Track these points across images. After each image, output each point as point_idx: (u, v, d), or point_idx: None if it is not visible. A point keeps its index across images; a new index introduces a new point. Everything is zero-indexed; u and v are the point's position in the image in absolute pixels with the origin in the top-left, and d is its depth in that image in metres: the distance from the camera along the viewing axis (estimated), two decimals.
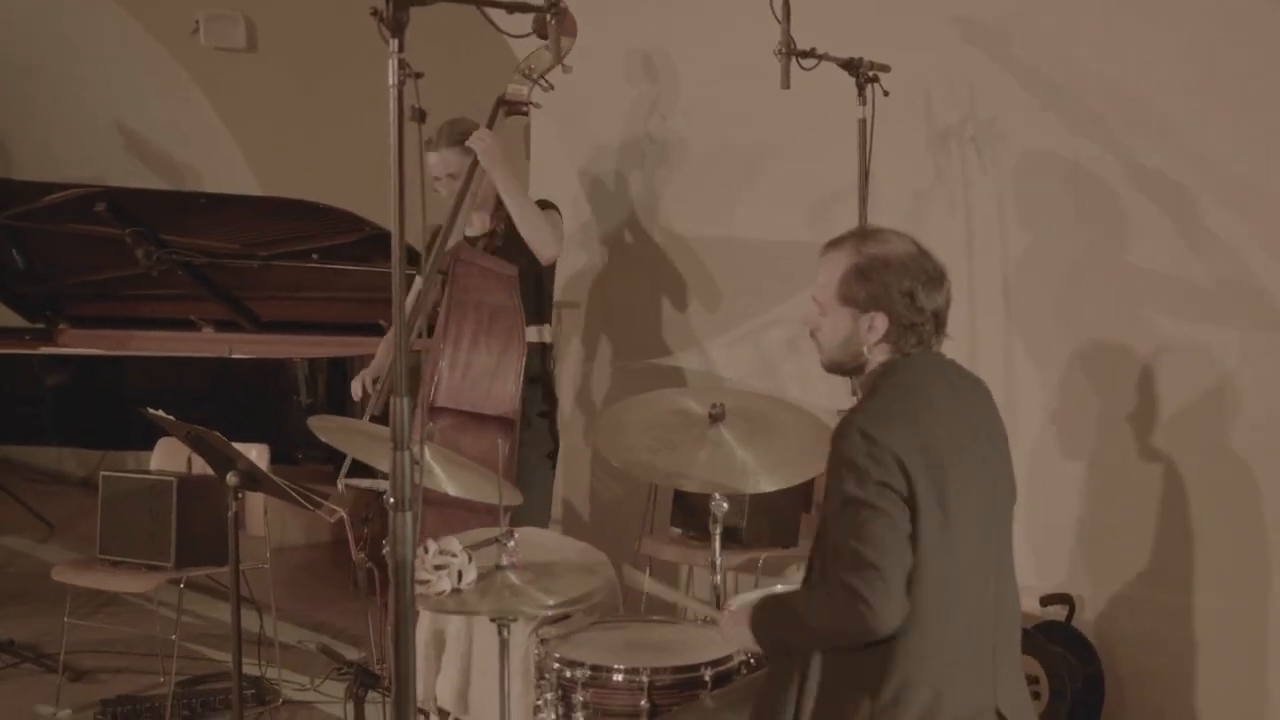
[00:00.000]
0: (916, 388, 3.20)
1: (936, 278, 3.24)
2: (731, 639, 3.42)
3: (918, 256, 3.23)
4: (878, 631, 3.02)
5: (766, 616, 3.29)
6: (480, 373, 5.08)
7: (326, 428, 4.07)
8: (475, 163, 5.16)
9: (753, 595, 4.07)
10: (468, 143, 5.15)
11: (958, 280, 5.36)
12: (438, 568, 3.43)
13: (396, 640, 3.02)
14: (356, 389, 5.49)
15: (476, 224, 5.44)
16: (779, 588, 4.15)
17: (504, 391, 5.10)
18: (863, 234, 3.31)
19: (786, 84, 4.71)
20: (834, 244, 3.30)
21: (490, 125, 5.19)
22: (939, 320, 3.25)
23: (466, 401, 5.05)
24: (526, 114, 5.22)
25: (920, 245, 3.28)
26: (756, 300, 6.21)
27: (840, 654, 3.09)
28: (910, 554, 3.03)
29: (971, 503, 3.15)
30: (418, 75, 2.99)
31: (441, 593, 3.44)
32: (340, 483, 4.85)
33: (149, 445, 6.05)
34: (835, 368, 3.36)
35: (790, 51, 4.71)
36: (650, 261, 6.55)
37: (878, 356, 3.26)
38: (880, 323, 3.21)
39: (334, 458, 5.60)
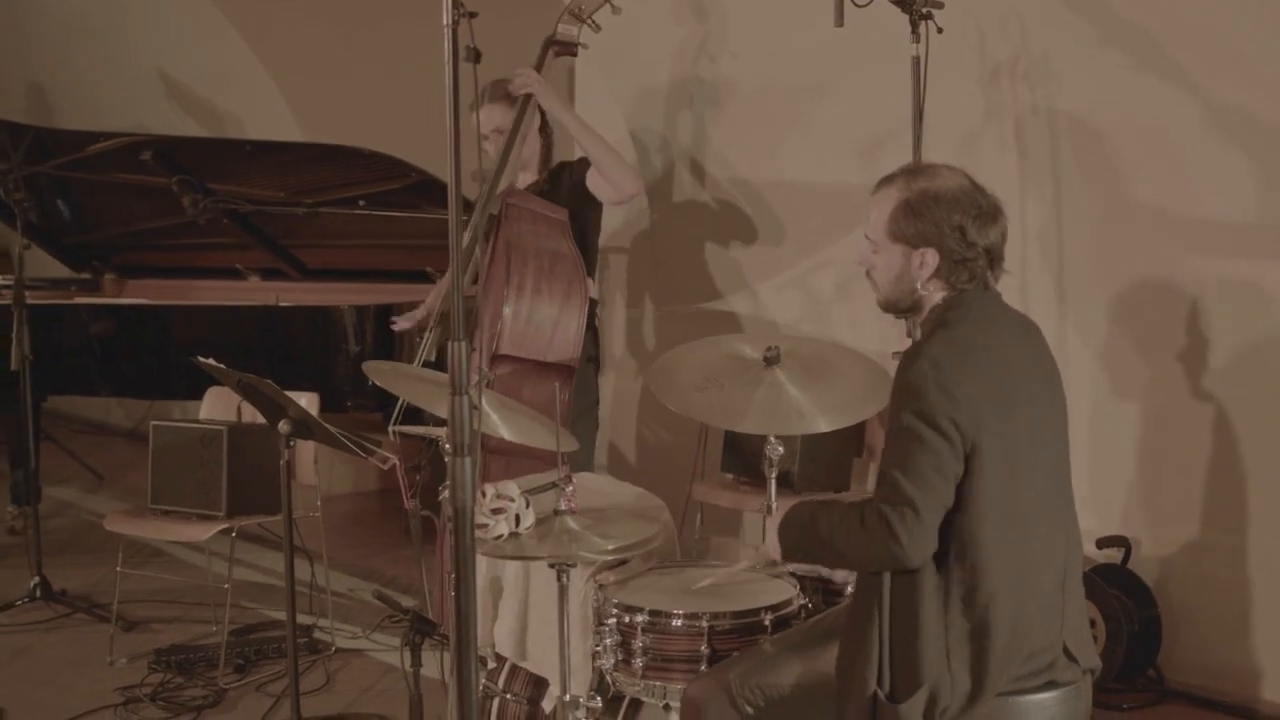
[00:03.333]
0: (986, 322, 3.17)
1: (990, 212, 3.18)
2: (768, 543, 3.43)
3: (970, 191, 3.18)
4: (902, 565, 3.03)
5: (798, 521, 3.30)
6: (544, 320, 5.05)
7: (380, 370, 4.04)
8: (527, 101, 5.13)
9: None
10: (513, 86, 5.11)
11: (1009, 220, 5.34)
12: (495, 512, 3.41)
13: (458, 586, 2.99)
14: (403, 325, 5.47)
15: (520, 181, 5.41)
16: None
17: (566, 339, 5.07)
18: (913, 170, 3.26)
19: (840, 21, 4.63)
20: (885, 181, 3.26)
21: (540, 66, 5.16)
22: (993, 256, 3.20)
23: (530, 349, 5.03)
24: (575, 54, 5.20)
25: (973, 180, 3.22)
26: (806, 243, 6.16)
27: (918, 595, 3.07)
28: (952, 493, 3.01)
29: (1044, 443, 3.14)
30: (472, 15, 2.93)
31: (499, 537, 3.42)
32: (392, 430, 4.83)
33: (196, 395, 6.06)
34: (890, 307, 3.32)
35: None
36: (698, 204, 6.50)
37: (933, 294, 3.22)
38: (931, 258, 3.17)
39: (383, 405, 5.60)
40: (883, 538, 3.00)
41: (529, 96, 5.13)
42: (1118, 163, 5.14)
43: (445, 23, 2.91)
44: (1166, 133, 5.00)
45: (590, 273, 5.39)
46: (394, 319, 5.69)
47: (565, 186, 5.35)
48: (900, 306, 3.30)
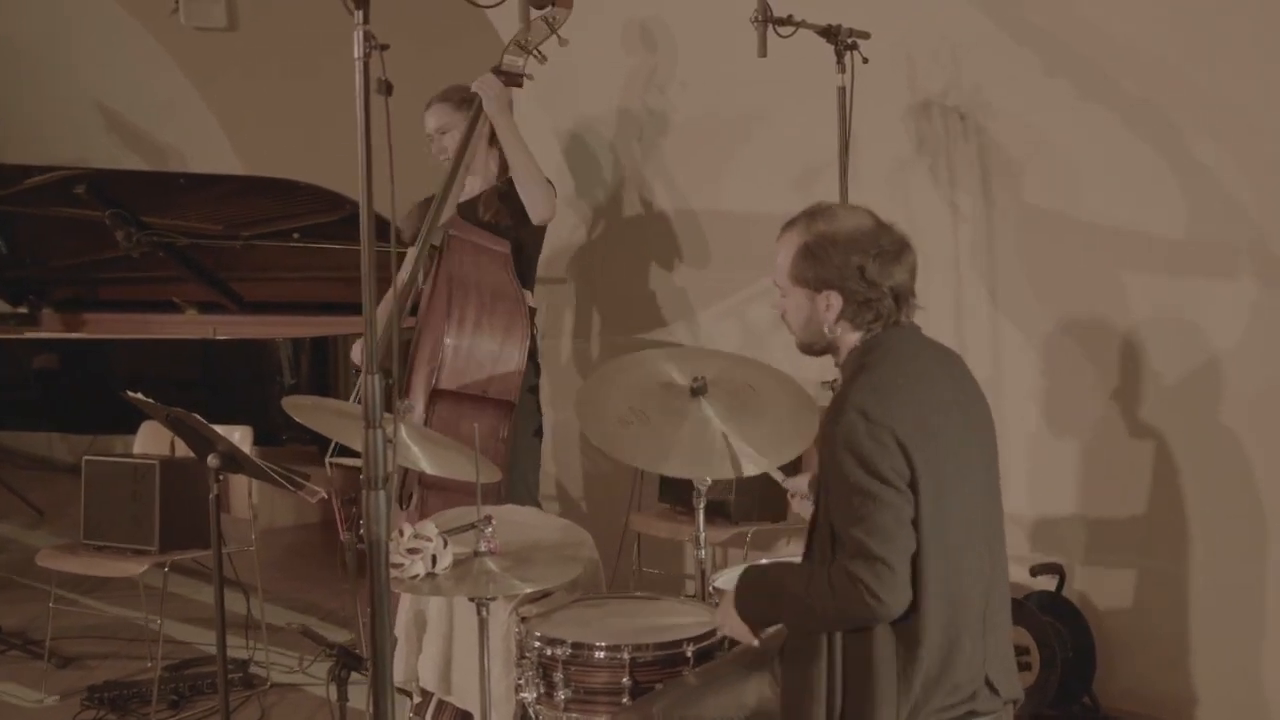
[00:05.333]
0: (907, 359, 3.18)
1: (893, 251, 3.18)
2: (725, 627, 3.40)
3: (871, 231, 3.19)
4: (882, 620, 3.02)
5: (753, 592, 3.27)
6: (485, 356, 5.03)
7: (301, 407, 4.03)
8: (478, 111, 5.11)
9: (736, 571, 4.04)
10: (474, 86, 5.09)
11: (941, 250, 5.35)
12: (411, 551, 3.39)
13: (373, 620, 2.98)
14: (357, 354, 5.47)
15: (470, 189, 5.38)
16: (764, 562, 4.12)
17: (507, 376, 5.06)
18: (814, 212, 3.26)
19: (763, 52, 4.65)
20: (788, 225, 3.28)
21: None
22: (899, 295, 3.20)
23: (469, 385, 5.01)
24: (520, 85, 5.16)
25: (879, 219, 3.23)
26: (743, 272, 6.17)
27: (871, 632, 3.07)
28: (913, 538, 3.02)
29: (967, 473, 3.15)
30: (383, 47, 2.94)
31: (415, 577, 3.40)
32: (327, 462, 4.81)
33: (136, 430, 6.02)
34: (807, 349, 3.36)
35: (766, 19, 4.65)
36: (636, 234, 6.50)
37: (845, 335, 3.24)
38: (835, 301, 3.19)
39: (319, 438, 5.57)
40: (858, 598, 2.98)
41: (478, 100, 5.10)
42: (1051, 192, 5.16)
43: (356, 56, 2.92)
44: (1100, 161, 5.02)
45: (530, 284, 5.37)
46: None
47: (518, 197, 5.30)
48: (816, 348, 3.33)
